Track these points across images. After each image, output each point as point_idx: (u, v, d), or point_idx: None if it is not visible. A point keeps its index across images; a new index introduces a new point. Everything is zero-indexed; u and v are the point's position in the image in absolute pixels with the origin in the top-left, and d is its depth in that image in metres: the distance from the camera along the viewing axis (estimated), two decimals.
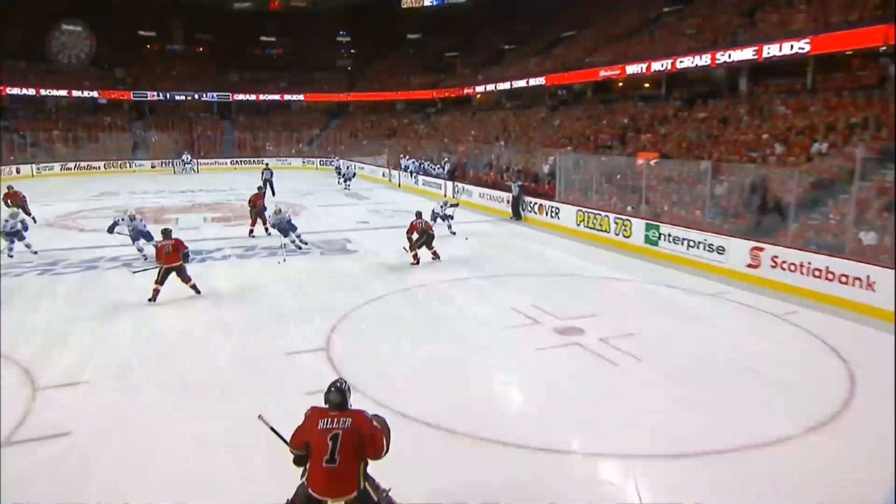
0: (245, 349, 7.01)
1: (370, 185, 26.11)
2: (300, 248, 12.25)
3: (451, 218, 14.01)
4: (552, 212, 15.44)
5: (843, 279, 8.52)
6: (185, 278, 8.77)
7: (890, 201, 9.66)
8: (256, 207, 13.90)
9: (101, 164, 32.53)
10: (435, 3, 43.32)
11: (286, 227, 12.06)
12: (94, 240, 13.03)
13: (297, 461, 3.41)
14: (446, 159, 23.72)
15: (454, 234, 13.75)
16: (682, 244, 11.30)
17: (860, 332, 7.68)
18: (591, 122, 22.91)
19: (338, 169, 26.34)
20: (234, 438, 4.89)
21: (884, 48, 14.80)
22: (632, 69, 22.60)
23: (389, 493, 3.48)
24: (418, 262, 10.97)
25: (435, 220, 12.63)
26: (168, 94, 38.72)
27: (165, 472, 4.53)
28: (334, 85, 42.26)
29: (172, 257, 8.56)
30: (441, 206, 13.92)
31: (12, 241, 11.41)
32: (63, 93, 35.53)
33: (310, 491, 3.30)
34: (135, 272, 9.39)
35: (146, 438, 4.99)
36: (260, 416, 3.60)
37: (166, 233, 8.90)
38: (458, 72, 38.39)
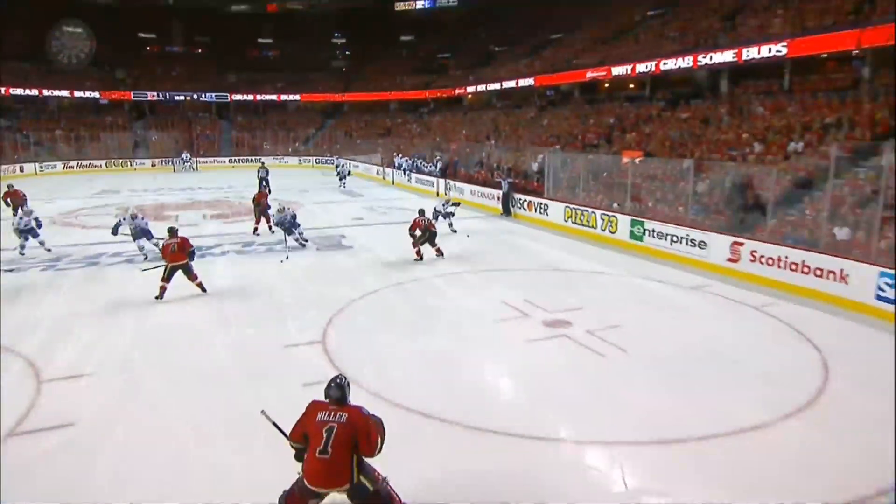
0: (244, 342, 7.14)
1: (365, 183, 26.22)
2: (303, 245, 12.32)
3: (453, 216, 14.17)
4: (541, 208, 15.68)
5: (818, 272, 8.82)
6: (192, 276, 8.77)
7: (862, 198, 10.02)
8: (261, 205, 13.93)
9: (103, 162, 32.88)
10: (427, 6, 43.54)
11: (289, 225, 12.12)
12: (96, 236, 13.08)
13: (298, 456, 3.51)
14: (438, 157, 23.92)
15: (455, 231, 13.90)
16: (666, 239, 11.59)
17: (834, 322, 7.94)
18: (579, 121, 23.21)
19: (338, 167, 26.31)
20: (234, 429, 5.00)
21: (856, 51, 15.25)
22: (617, 71, 22.93)
23: (387, 481, 3.56)
24: (422, 258, 11.14)
25: (437, 218, 12.84)
26: (168, 95, 38.83)
27: (167, 461, 4.64)
28: (330, 85, 42.31)
29: (178, 255, 8.59)
30: (443, 205, 14.10)
31: (26, 239, 11.35)
32: (65, 93, 35.53)
33: (304, 482, 3.39)
34: (144, 270, 9.44)
35: (148, 429, 5.10)
36: (263, 412, 3.68)
37: (172, 231, 8.89)
38: (450, 73, 38.55)
